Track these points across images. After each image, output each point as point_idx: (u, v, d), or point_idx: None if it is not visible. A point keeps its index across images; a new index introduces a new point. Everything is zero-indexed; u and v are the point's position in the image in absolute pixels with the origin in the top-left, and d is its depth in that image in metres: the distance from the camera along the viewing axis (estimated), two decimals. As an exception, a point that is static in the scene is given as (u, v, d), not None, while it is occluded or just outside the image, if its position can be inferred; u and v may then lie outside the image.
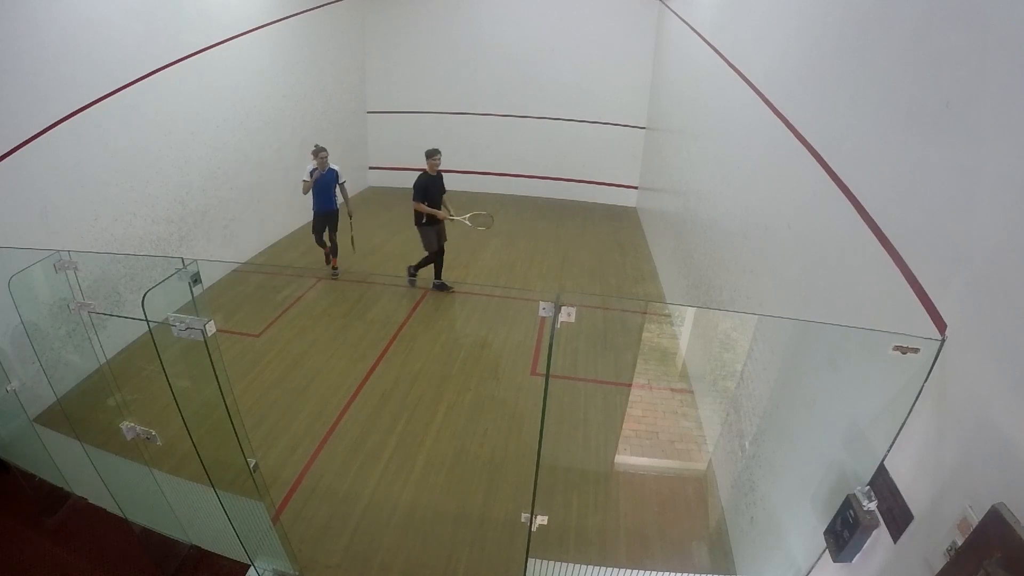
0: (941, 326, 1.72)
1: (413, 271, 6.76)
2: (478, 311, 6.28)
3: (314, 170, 6.30)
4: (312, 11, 8.24)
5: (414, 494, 3.69)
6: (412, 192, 6.17)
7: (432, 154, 6.09)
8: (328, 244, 6.81)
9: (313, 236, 6.78)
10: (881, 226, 2.15)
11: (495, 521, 3.50)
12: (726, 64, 4.83)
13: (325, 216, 6.61)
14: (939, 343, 1.71)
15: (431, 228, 6.30)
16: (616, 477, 4.06)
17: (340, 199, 6.63)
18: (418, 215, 6.26)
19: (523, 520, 2.53)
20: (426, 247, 6.42)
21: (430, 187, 6.13)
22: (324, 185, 6.42)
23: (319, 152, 6.28)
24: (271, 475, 3.69)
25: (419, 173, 6.18)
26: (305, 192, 6.43)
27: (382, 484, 3.76)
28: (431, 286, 6.63)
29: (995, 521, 1.33)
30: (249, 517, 2.77)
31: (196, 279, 2.24)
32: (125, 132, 5.02)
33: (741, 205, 4.11)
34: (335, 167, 6.43)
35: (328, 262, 6.94)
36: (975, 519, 1.42)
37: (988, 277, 1.56)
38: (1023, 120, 1.49)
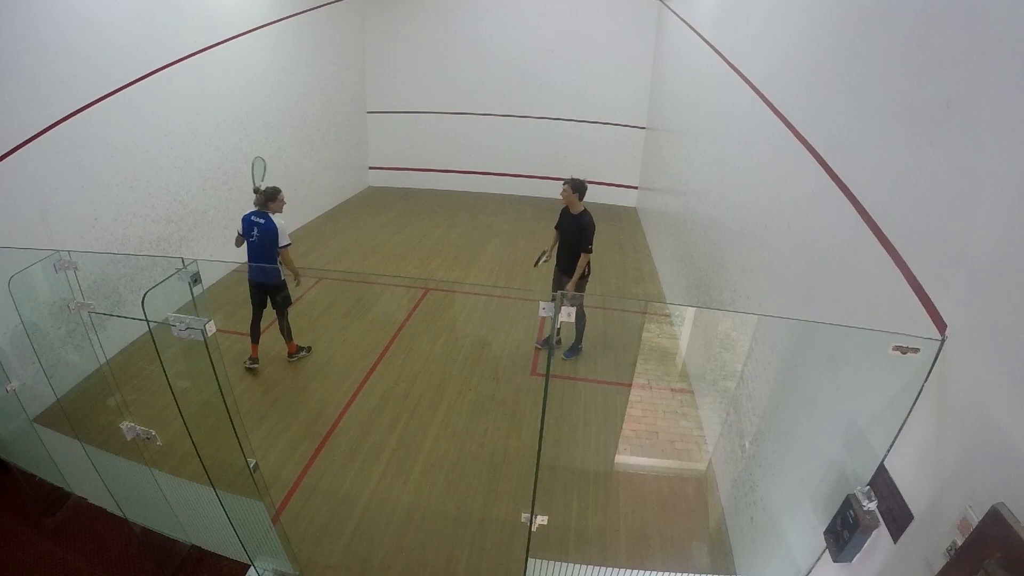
0: (941, 326, 1.72)
1: (567, 349, 5.24)
2: (478, 311, 6.28)
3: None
4: (312, 11, 8.25)
5: (414, 494, 3.69)
6: (584, 238, 4.69)
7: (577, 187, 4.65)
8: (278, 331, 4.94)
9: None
10: (881, 226, 2.15)
11: (495, 521, 3.50)
12: (726, 64, 4.83)
13: (260, 288, 4.71)
14: (939, 343, 1.71)
15: (584, 282, 4.98)
16: (616, 477, 4.06)
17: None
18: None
19: (523, 520, 2.53)
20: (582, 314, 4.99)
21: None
22: (261, 242, 4.54)
23: (276, 194, 4.53)
24: (271, 475, 3.69)
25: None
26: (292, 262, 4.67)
27: (382, 484, 3.76)
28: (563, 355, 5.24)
29: (995, 521, 1.33)
30: (249, 517, 2.77)
31: (196, 279, 2.24)
32: (125, 132, 5.03)
33: (741, 205, 4.11)
34: (273, 216, 4.54)
35: (253, 360, 4.89)
36: (975, 519, 1.42)
37: (988, 277, 1.56)
38: (1023, 120, 1.49)
